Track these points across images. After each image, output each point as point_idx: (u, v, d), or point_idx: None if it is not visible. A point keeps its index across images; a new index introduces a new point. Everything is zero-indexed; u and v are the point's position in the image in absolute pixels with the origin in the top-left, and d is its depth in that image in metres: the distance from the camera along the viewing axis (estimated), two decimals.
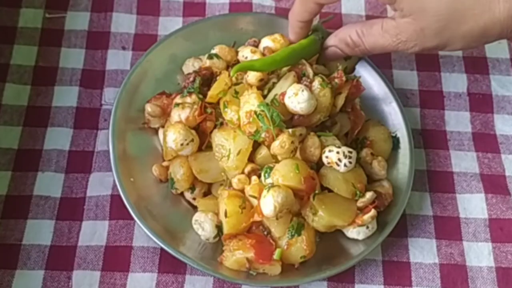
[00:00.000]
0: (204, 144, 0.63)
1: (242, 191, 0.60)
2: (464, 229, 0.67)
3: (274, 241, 0.59)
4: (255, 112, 0.59)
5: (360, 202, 0.61)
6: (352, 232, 0.62)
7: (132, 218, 0.61)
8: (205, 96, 0.64)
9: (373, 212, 0.60)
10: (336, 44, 0.65)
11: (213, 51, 0.68)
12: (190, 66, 0.69)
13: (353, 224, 0.61)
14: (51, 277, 0.61)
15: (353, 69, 0.71)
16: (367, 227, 0.61)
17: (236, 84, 0.64)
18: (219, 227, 0.60)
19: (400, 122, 0.69)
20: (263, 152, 0.61)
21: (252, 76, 0.63)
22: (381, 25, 0.60)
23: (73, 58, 0.74)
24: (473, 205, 0.68)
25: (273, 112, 0.58)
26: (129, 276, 0.61)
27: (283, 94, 0.60)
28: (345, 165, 0.60)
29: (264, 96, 0.61)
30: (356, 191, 0.61)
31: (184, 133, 0.61)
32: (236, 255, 0.58)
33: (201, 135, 0.63)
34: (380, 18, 0.61)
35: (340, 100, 0.64)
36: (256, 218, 0.59)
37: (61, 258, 0.62)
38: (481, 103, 0.75)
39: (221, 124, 0.63)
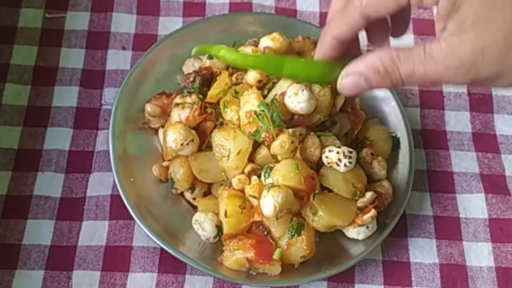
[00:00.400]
0: (204, 144, 0.63)
1: (242, 191, 0.60)
2: (464, 229, 0.67)
3: (274, 241, 0.59)
4: (255, 112, 0.59)
5: (360, 202, 0.61)
6: (352, 232, 0.62)
7: (132, 218, 0.61)
8: (205, 96, 0.64)
9: (373, 212, 0.60)
10: (361, 71, 0.50)
11: None
12: (190, 66, 0.69)
13: (353, 224, 0.61)
14: (51, 277, 0.61)
15: None
16: (367, 227, 0.61)
17: (236, 84, 0.64)
18: (219, 227, 0.60)
19: (400, 122, 0.69)
20: (263, 152, 0.61)
21: (252, 77, 0.63)
22: (424, 48, 0.47)
23: (73, 58, 0.74)
24: (473, 205, 0.68)
25: (273, 112, 0.58)
26: (129, 276, 0.61)
27: (283, 94, 0.60)
28: (345, 165, 0.60)
29: (264, 96, 0.61)
30: (356, 191, 0.61)
31: (184, 133, 0.61)
32: (236, 255, 0.58)
33: (201, 135, 0.63)
34: (419, 44, 0.49)
35: (340, 100, 0.63)
36: (256, 218, 0.59)
37: (61, 258, 0.62)
38: (481, 103, 0.75)
39: (221, 124, 0.63)
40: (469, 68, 0.46)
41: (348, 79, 0.51)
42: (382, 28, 0.55)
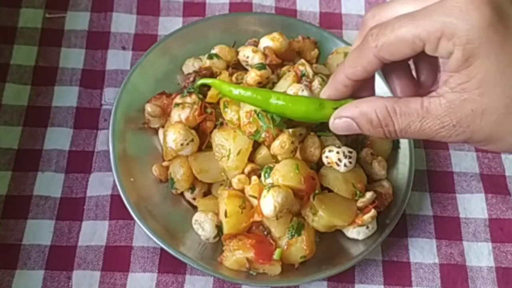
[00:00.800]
0: (204, 144, 0.63)
1: (242, 191, 0.60)
2: (464, 229, 0.67)
3: (274, 241, 0.59)
4: (255, 112, 0.59)
5: (360, 202, 0.61)
6: (352, 232, 0.62)
7: (132, 218, 0.61)
8: (205, 96, 0.64)
9: (373, 212, 0.60)
10: (354, 116, 0.49)
11: (213, 51, 0.68)
12: (190, 66, 0.69)
13: (353, 224, 0.61)
14: (51, 277, 0.61)
15: None
16: (367, 227, 0.61)
17: (237, 84, 0.64)
18: (219, 227, 0.60)
19: None
20: (263, 152, 0.61)
21: (251, 78, 0.63)
22: (421, 103, 0.46)
23: (73, 58, 0.74)
24: (473, 205, 0.68)
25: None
26: (129, 276, 0.61)
27: None
28: (345, 165, 0.60)
29: None
30: (356, 191, 0.61)
31: (184, 133, 0.61)
32: (236, 255, 0.58)
33: (201, 135, 0.63)
34: (417, 97, 0.47)
35: None
36: (256, 218, 0.59)
37: (61, 258, 0.62)
38: None
39: (221, 124, 0.63)
40: (465, 129, 0.45)
41: (341, 120, 0.51)
42: (408, 85, 0.53)
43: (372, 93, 0.54)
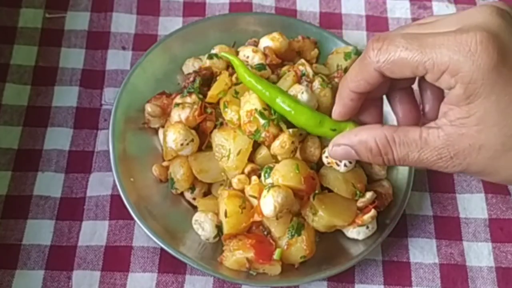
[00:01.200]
0: (204, 144, 0.63)
1: (242, 191, 0.60)
2: (464, 229, 0.67)
3: (274, 241, 0.59)
4: (256, 110, 0.59)
5: (360, 202, 0.61)
6: (352, 232, 0.62)
7: (132, 218, 0.61)
8: (205, 96, 0.64)
9: (373, 212, 0.60)
10: (353, 144, 0.51)
11: (213, 51, 0.68)
12: (190, 66, 0.69)
13: (353, 224, 0.61)
14: (51, 277, 0.61)
15: None
16: (367, 227, 0.61)
17: (237, 84, 0.64)
18: (219, 227, 0.60)
19: None
20: (263, 152, 0.61)
21: None
22: (420, 134, 0.47)
23: (73, 58, 0.74)
24: (473, 205, 0.68)
25: None
26: (129, 276, 0.61)
27: None
28: (345, 165, 0.60)
29: None
30: (356, 191, 0.61)
31: (184, 133, 0.61)
32: (236, 255, 0.58)
33: (201, 135, 0.63)
34: (416, 126, 0.48)
35: None
36: (256, 218, 0.59)
37: (61, 258, 0.62)
38: None
39: (221, 124, 0.63)
40: (461, 161, 0.46)
41: (340, 148, 0.52)
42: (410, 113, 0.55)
43: (378, 120, 0.55)
